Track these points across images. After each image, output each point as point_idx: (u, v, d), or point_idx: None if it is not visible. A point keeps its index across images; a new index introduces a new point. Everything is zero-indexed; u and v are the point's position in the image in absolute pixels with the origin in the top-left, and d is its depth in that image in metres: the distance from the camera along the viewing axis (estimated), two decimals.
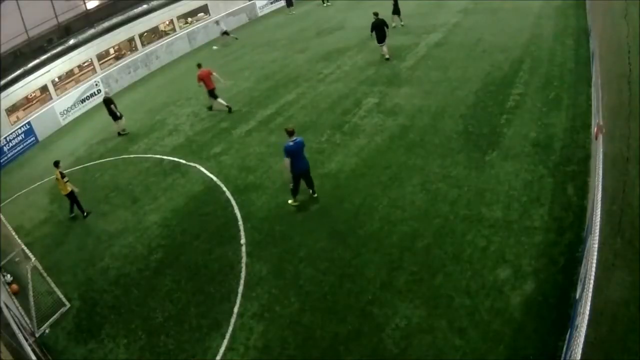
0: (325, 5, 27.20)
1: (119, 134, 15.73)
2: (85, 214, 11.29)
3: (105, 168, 13.71)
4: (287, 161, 8.86)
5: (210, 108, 15.72)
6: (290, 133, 8.90)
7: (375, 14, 15.81)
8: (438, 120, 11.55)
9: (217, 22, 24.72)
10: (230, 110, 15.07)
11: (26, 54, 19.27)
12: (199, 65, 15.47)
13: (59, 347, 7.77)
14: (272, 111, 14.52)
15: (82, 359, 7.43)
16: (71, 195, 11.13)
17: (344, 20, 23.16)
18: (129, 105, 18.27)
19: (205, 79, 14.86)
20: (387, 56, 16.14)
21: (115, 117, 15.51)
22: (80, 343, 7.73)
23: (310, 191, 9.62)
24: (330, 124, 12.74)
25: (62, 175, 10.90)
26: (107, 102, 15.45)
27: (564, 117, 10.43)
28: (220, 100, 15.12)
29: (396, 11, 19.04)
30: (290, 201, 9.62)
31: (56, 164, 11.14)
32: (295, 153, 8.83)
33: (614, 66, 5.87)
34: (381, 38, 15.84)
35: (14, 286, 9.06)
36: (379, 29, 15.74)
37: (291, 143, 8.79)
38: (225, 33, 24.11)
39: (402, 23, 19.22)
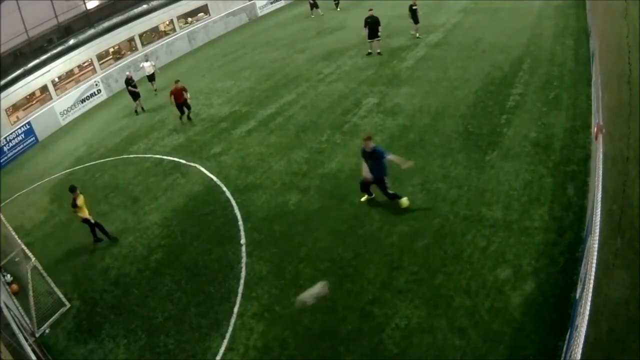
0: (337, 9, 25.85)
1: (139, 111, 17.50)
2: (110, 237, 10.14)
3: (105, 168, 13.71)
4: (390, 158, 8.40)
5: (188, 118, 15.62)
6: (370, 138, 8.47)
7: (371, 10, 16.49)
8: (438, 120, 11.55)
9: (146, 57, 20.71)
10: (185, 118, 15.53)
11: (26, 54, 19.28)
12: (177, 82, 15.31)
13: (59, 347, 7.77)
14: (272, 111, 14.53)
15: (82, 359, 7.43)
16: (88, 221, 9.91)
17: (344, 21, 23.15)
18: (129, 105, 18.24)
19: (177, 93, 15.19)
20: (369, 51, 16.96)
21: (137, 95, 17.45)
22: (80, 343, 7.73)
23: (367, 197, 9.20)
24: (330, 124, 12.74)
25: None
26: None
27: (564, 117, 10.43)
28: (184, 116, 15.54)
29: (415, 20, 17.50)
30: (404, 201, 8.69)
31: (73, 189, 9.75)
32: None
33: (614, 66, 5.87)
34: (373, 34, 16.55)
35: (14, 286, 9.06)
36: (373, 25, 16.35)
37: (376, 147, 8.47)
38: (149, 80, 19.67)
39: (417, 35, 17.83)
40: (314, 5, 25.43)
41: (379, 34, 16.55)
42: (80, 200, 9.77)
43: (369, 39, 16.74)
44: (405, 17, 18.06)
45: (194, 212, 10.37)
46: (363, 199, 9.19)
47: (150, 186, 11.92)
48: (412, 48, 16.82)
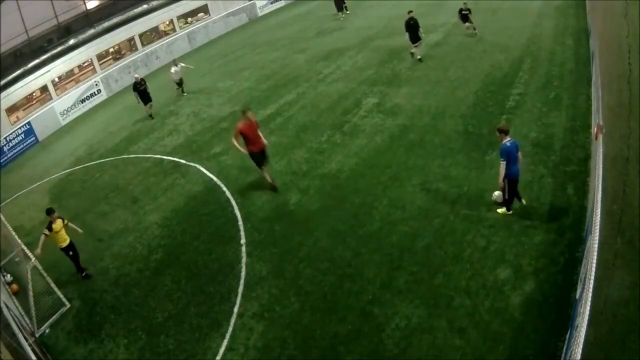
0: (344, 15, 23.98)
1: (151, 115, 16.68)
2: (83, 273, 9.21)
3: (105, 168, 13.71)
4: (503, 165, 7.50)
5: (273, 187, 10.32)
6: (506, 132, 7.55)
7: (410, 12, 15.17)
8: (438, 120, 11.55)
9: (175, 62, 18.46)
10: (275, 189, 10.26)
11: (26, 54, 19.27)
12: (245, 112, 9.97)
13: (59, 347, 7.77)
14: (272, 111, 14.53)
15: (82, 359, 7.43)
16: (71, 248, 9.08)
17: (344, 21, 23.14)
18: (129, 105, 18.23)
19: (249, 133, 9.70)
20: (418, 57, 15.54)
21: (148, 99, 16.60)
22: (80, 343, 7.73)
23: (522, 201, 8.10)
24: (330, 124, 12.74)
25: (64, 221, 9.08)
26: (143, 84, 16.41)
27: (564, 117, 10.43)
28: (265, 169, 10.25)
29: (465, 19, 16.81)
30: (500, 210, 8.03)
31: (50, 211, 8.86)
32: (512, 155, 7.54)
33: (614, 66, 5.88)
34: (416, 37, 15.20)
35: (14, 286, 9.06)
36: (415, 28, 15.05)
37: (508, 143, 7.49)
38: (179, 84, 18.19)
39: (475, 31, 16.82)
40: (340, 8, 23.77)
41: (423, 35, 15.22)
42: (58, 225, 8.82)
43: (413, 43, 15.23)
44: (404, 17, 17.98)
45: (194, 212, 10.37)
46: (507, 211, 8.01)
47: (150, 186, 11.92)
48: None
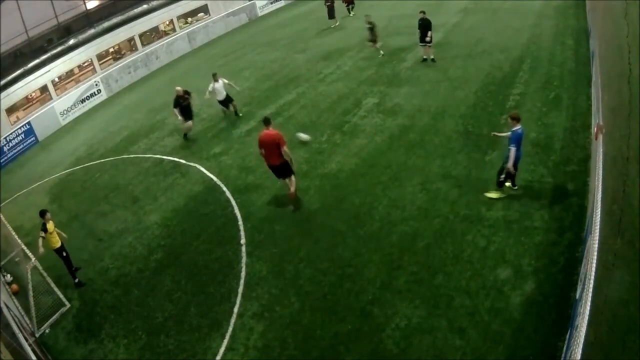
0: (351, 15, 23.98)
1: (186, 135, 14.02)
2: (76, 279, 9.09)
3: (105, 168, 13.71)
4: (513, 150, 7.88)
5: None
6: (518, 119, 7.93)
7: (422, 12, 15.03)
8: (438, 120, 11.55)
9: (215, 77, 13.91)
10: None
11: (26, 54, 19.28)
12: (268, 122, 9.19)
13: (59, 347, 7.77)
14: (272, 111, 14.51)
15: (82, 359, 7.44)
16: (64, 249, 9.03)
17: (344, 21, 23.13)
18: (129, 105, 18.25)
19: (271, 146, 9.01)
20: (424, 57, 15.38)
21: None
22: (80, 343, 7.74)
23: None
24: (330, 124, 12.74)
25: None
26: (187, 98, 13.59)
27: (564, 117, 10.43)
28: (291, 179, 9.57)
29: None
30: (507, 184, 8.45)
31: (43, 213, 8.82)
32: (521, 140, 8.01)
33: (614, 66, 5.88)
34: (422, 38, 14.99)
35: (14, 286, 9.07)
36: (422, 28, 14.87)
37: (519, 130, 7.88)
38: (227, 102, 14.52)
39: (373, 45, 16.88)
40: (332, 16, 22.66)
41: (427, 38, 14.77)
42: (51, 226, 8.84)
43: (420, 43, 15.25)
44: (404, 17, 17.98)
45: (194, 212, 10.37)
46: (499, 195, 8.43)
47: (150, 186, 11.92)
48: (412, 48, 16.79)
